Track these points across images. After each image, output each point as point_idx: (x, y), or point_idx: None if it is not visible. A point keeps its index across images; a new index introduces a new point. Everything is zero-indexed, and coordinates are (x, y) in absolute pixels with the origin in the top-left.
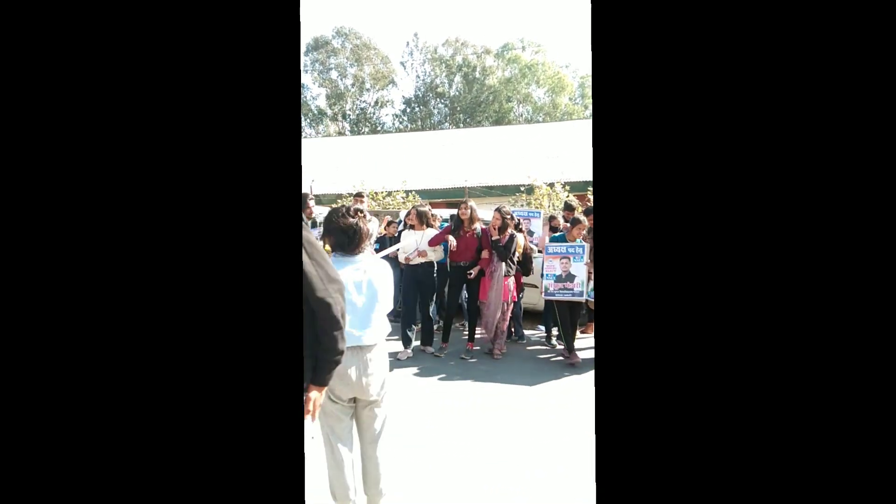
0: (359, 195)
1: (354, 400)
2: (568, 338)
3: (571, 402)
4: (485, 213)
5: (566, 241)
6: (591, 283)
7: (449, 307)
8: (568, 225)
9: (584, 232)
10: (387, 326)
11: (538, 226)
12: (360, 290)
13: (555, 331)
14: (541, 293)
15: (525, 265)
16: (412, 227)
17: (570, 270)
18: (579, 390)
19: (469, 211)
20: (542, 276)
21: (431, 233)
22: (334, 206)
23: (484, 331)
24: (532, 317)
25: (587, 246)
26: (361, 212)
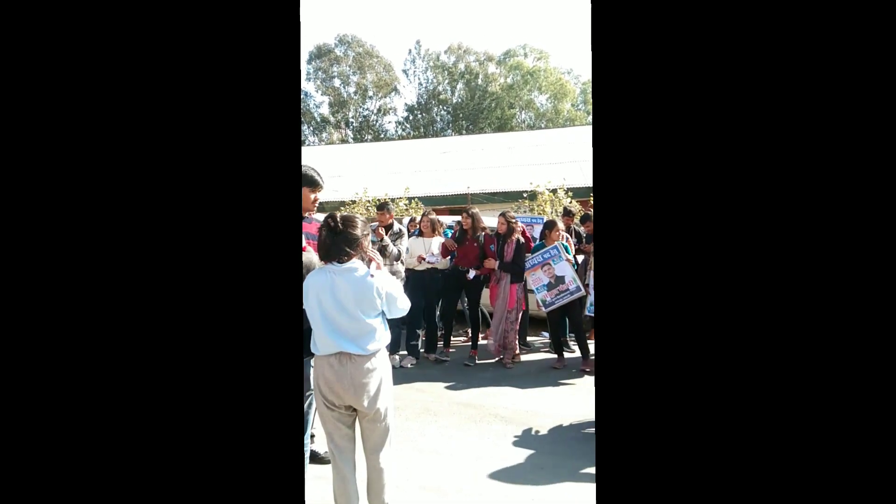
0: (382, 206)
1: (354, 409)
2: (557, 342)
3: (575, 407)
4: (488, 219)
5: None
6: (592, 296)
7: (446, 312)
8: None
9: (561, 233)
10: (382, 337)
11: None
12: (338, 298)
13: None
14: (538, 308)
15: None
16: (420, 232)
17: (555, 273)
18: (583, 396)
19: (471, 219)
20: (534, 291)
21: (439, 240)
22: (334, 213)
23: (489, 339)
24: (537, 323)
25: (559, 243)
26: (333, 220)
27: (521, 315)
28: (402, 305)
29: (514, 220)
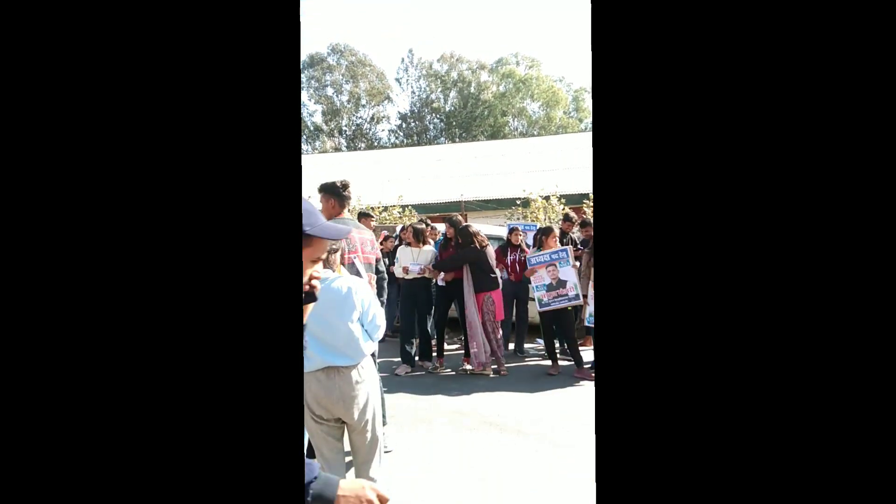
0: (364, 215)
1: (342, 421)
2: (550, 348)
3: (570, 414)
4: (483, 227)
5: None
6: (591, 307)
7: (437, 323)
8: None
9: (556, 240)
10: (367, 346)
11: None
12: (316, 311)
13: (557, 343)
14: (537, 307)
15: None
16: (408, 243)
17: (559, 276)
18: (577, 402)
19: (453, 228)
20: (533, 289)
21: (428, 249)
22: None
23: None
24: (531, 330)
25: (570, 248)
26: None
27: (499, 324)
28: (380, 322)
29: (460, 225)
